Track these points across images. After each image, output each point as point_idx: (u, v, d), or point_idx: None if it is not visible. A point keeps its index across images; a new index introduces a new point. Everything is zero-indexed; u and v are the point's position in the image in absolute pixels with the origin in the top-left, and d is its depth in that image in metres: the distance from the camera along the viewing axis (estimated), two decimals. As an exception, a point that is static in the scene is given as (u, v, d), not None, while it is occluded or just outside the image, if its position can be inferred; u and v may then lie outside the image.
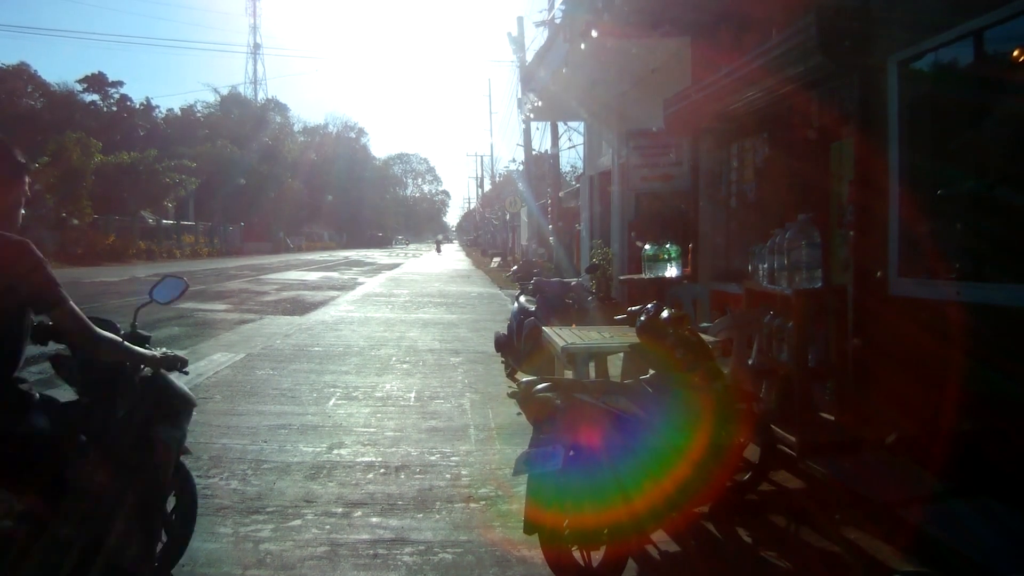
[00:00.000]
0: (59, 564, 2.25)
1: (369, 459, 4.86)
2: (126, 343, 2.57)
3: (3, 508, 2.14)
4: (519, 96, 16.88)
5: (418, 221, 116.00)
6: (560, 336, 5.22)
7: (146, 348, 2.70)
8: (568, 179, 30.23)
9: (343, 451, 5.02)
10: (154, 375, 2.76)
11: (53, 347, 2.66)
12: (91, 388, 2.60)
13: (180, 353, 2.77)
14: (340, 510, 3.97)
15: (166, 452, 2.75)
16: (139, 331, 2.85)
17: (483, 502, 4.11)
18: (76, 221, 31.26)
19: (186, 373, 2.88)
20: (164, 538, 2.87)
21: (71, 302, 2.33)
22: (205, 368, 7.78)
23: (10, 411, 2.23)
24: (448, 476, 4.50)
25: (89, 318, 2.41)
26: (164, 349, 2.76)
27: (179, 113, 62.61)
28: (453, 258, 49.06)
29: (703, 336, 4.26)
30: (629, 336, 4.46)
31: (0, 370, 2.27)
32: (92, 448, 2.41)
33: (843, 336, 4.95)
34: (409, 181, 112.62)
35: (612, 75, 9.96)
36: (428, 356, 8.94)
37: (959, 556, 3.15)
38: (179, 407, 2.89)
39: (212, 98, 66.47)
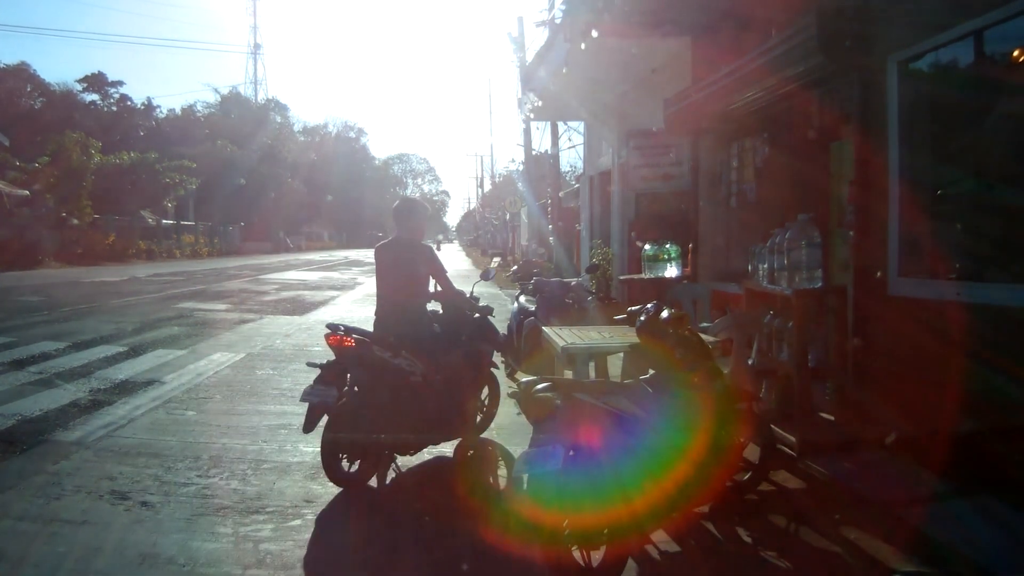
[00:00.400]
0: (439, 405, 4.48)
1: (369, 459, 4.86)
2: (470, 299, 5.13)
3: (416, 368, 4.42)
4: (519, 96, 16.88)
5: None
6: (560, 336, 5.22)
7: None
8: (568, 179, 30.20)
9: (343, 451, 5.02)
10: (480, 317, 5.08)
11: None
12: (448, 325, 4.93)
13: (487, 304, 5.27)
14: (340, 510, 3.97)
15: (486, 357, 5.08)
16: (474, 295, 5.22)
17: (482, 502, 4.11)
18: (76, 221, 31.19)
19: (493, 316, 5.23)
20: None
21: (448, 275, 4.86)
22: (205, 368, 7.78)
23: (426, 323, 4.81)
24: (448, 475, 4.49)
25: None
26: (486, 304, 5.23)
27: (179, 113, 62.59)
28: (453, 258, 49.04)
29: (703, 336, 4.26)
30: (629, 336, 4.47)
31: (416, 301, 4.82)
32: (453, 352, 4.74)
33: (843, 336, 4.95)
34: (409, 181, 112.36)
35: (612, 75, 9.96)
36: (428, 356, 8.94)
37: (959, 556, 3.15)
38: (493, 335, 5.20)
39: (212, 98, 66.46)
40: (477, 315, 5.07)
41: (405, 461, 4.63)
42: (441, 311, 5.04)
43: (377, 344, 4.37)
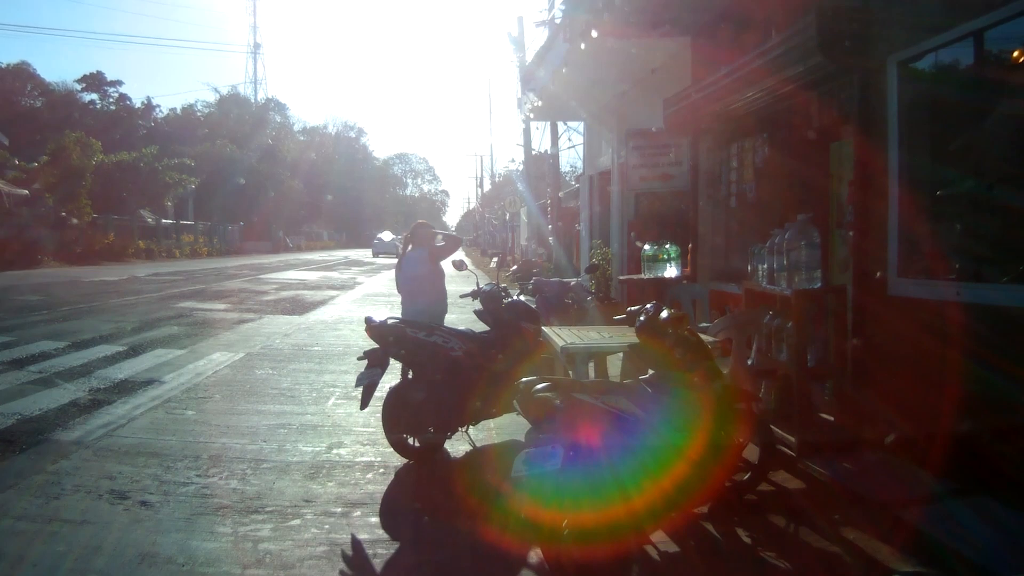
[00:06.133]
0: (481, 378, 4.87)
1: (368, 459, 4.87)
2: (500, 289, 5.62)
3: (453, 344, 4.89)
4: (519, 96, 16.87)
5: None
6: (560, 336, 5.21)
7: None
8: (568, 179, 30.18)
9: (342, 451, 5.03)
10: (511, 300, 5.52)
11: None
12: (494, 311, 5.28)
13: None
14: (339, 510, 3.97)
15: (529, 333, 5.25)
16: (482, 288, 5.45)
17: (482, 502, 4.10)
18: (75, 220, 31.13)
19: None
20: None
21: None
22: (204, 367, 7.78)
23: (498, 303, 5.32)
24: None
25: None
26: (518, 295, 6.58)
27: (179, 113, 62.53)
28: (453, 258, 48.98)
29: (702, 336, 4.27)
30: (629, 336, 4.47)
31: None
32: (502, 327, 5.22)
33: (842, 336, 4.95)
34: (409, 181, 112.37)
35: (612, 75, 9.96)
36: (427, 356, 8.94)
37: (958, 556, 3.15)
38: (530, 312, 5.52)
39: (212, 98, 66.44)
40: (507, 300, 5.49)
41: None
42: (481, 306, 5.41)
43: (409, 327, 4.90)
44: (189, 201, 46.64)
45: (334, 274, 27.07)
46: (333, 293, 18.29)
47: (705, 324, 5.53)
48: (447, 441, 4.91)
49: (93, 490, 4.14)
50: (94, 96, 54.82)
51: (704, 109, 6.97)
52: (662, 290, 7.55)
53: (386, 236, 49.34)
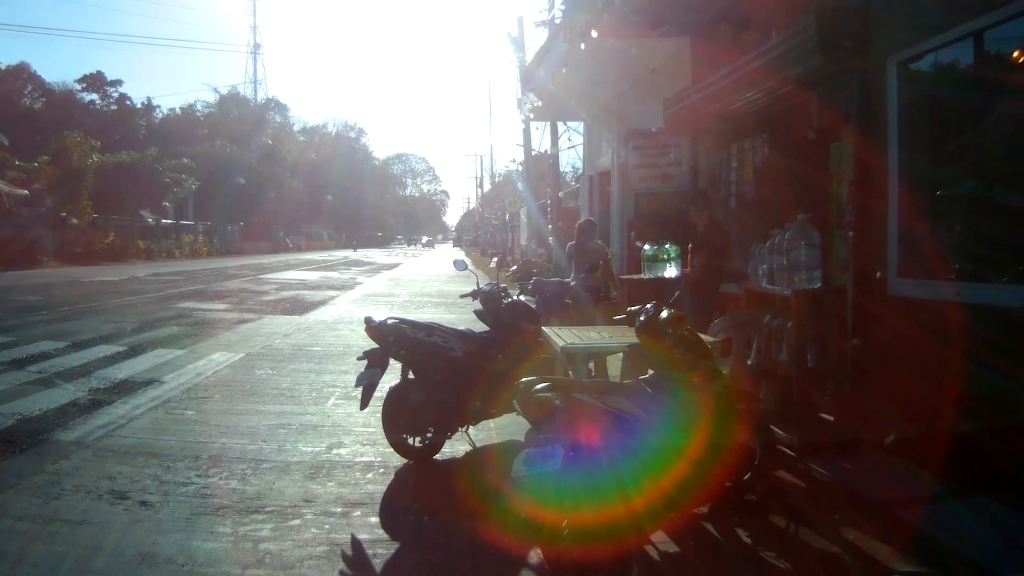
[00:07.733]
0: (481, 378, 4.83)
1: (368, 459, 4.87)
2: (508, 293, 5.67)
3: (453, 344, 4.84)
4: (519, 96, 16.88)
5: (418, 221, 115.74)
6: (559, 336, 5.21)
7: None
8: (568, 179, 30.21)
9: (342, 451, 5.03)
10: (511, 300, 5.43)
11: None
12: (494, 311, 5.23)
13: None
14: (339, 510, 3.97)
15: (529, 333, 5.18)
16: (482, 288, 5.36)
17: (482, 502, 4.10)
18: (75, 221, 31.15)
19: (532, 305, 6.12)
20: None
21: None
22: (204, 367, 7.77)
23: (498, 303, 5.25)
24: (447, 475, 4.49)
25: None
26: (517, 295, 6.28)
27: (179, 113, 62.50)
28: (453, 258, 48.99)
29: (702, 336, 4.26)
30: (629, 336, 4.47)
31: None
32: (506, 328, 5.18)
33: (842, 336, 4.95)
34: (408, 181, 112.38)
35: (612, 75, 9.97)
36: (427, 356, 8.93)
37: (957, 556, 3.16)
38: (533, 315, 5.47)
39: (212, 98, 66.39)
40: (507, 300, 5.44)
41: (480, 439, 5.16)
42: (481, 306, 5.37)
43: (409, 327, 4.86)
44: (189, 201, 46.64)
45: (334, 274, 27.06)
46: (333, 293, 18.28)
47: (705, 324, 5.53)
48: (447, 441, 4.91)
49: (93, 490, 4.13)
50: (94, 96, 54.85)
51: (704, 109, 6.98)
52: (662, 290, 7.55)
53: (423, 239, 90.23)
